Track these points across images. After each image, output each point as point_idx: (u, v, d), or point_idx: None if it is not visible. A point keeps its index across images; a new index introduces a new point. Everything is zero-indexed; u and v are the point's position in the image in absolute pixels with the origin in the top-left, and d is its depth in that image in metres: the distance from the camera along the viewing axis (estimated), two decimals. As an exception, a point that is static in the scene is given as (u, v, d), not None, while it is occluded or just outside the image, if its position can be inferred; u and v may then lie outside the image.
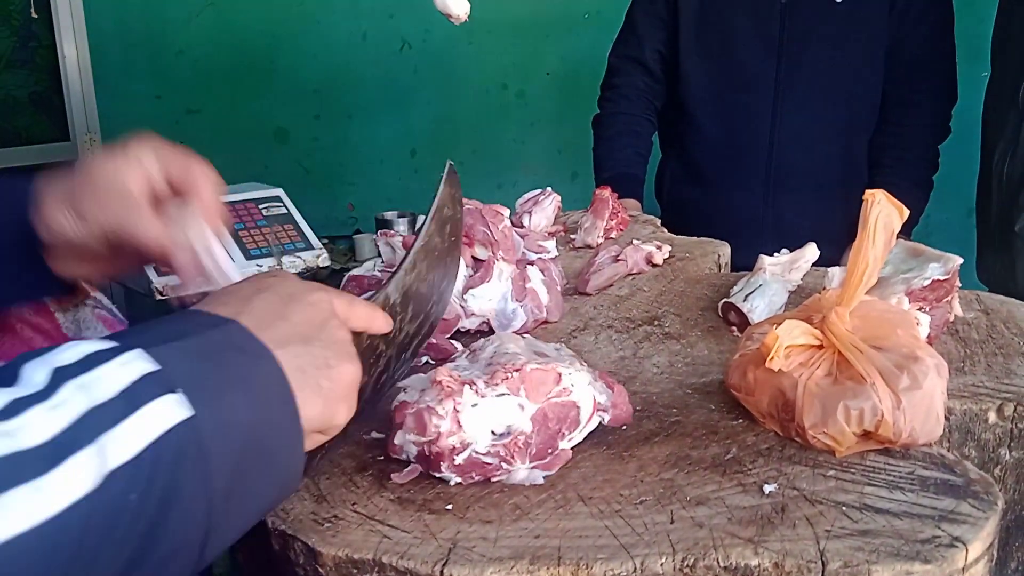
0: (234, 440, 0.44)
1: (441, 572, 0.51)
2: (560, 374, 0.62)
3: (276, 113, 2.86)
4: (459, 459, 0.59)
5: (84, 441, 0.38)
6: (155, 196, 0.63)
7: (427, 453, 0.60)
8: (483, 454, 0.59)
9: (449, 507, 0.58)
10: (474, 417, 0.59)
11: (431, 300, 0.68)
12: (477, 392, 0.60)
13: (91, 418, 0.39)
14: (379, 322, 0.59)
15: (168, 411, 0.41)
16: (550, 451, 0.61)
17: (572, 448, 0.63)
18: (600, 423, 0.65)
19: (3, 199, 0.62)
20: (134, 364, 0.42)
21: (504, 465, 0.60)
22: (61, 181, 0.62)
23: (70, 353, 0.42)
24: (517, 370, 0.61)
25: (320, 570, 0.54)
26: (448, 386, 0.60)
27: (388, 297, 0.62)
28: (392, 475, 0.61)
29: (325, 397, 0.50)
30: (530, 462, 0.60)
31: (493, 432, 0.60)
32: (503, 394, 0.60)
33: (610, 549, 0.53)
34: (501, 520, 0.56)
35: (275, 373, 0.47)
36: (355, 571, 0.53)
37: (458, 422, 0.59)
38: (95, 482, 0.37)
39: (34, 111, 2.47)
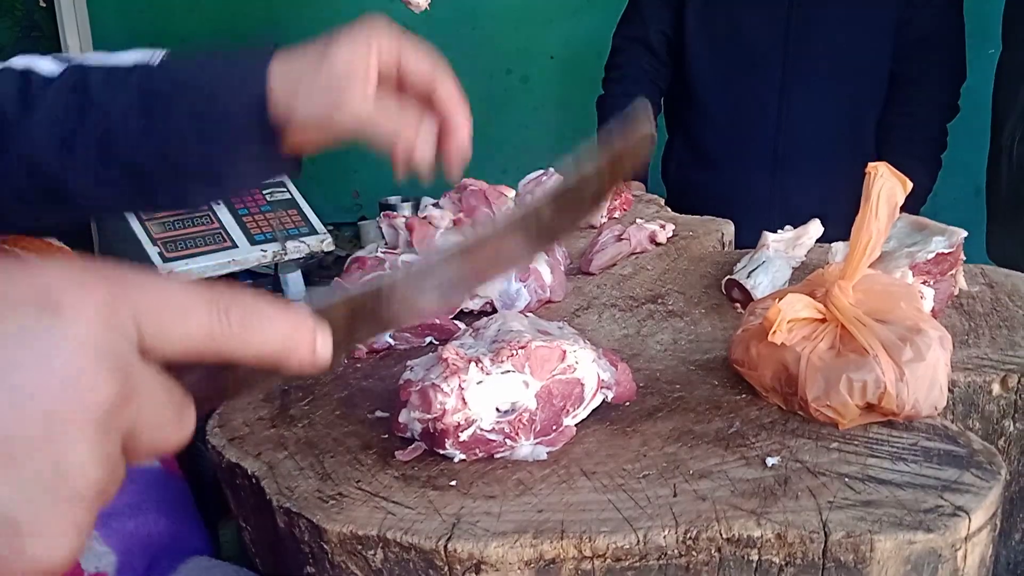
0: None
1: (445, 547, 0.52)
2: (565, 351, 0.62)
3: (280, 101, 2.86)
4: (464, 436, 0.59)
5: None
6: (380, 80, 0.61)
7: (432, 430, 0.60)
8: (488, 431, 0.59)
9: (453, 483, 0.58)
10: (479, 394, 0.59)
11: (482, 276, 0.49)
12: (483, 369, 0.60)
13: None
14: (298, 360, 0.35)
15: None
16: (554, 428, 0.61)
17: (576, 424, 0.63)
18: (604, 400, 0.65)
19: (244, 77, 0.60)
20: None
21: (508, 442, 0.60)
22: (295, 61, 0.60)
23: None
24: (522, 347, 0.61)
25: (325, 546, 0.55)
26: (454, 363, 0.60)
27: (383, 289, 0.42)
28: (396, 453, 0.61)
29: None
30: (534, 439, 0.60)
31: (498, 409, 0.60)
32: (508, 371, 0.60)
33: (613, 522, 0.53)
34: (504, 495, 0.56)
35: None
36: (360, 547, 0.54)
37: (463, 399, 0.59)
38: None
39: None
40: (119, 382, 0.29)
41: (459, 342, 0.66)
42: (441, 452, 0.60)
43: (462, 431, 0.59)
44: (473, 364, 0.60)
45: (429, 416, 0.60)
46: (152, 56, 0.62)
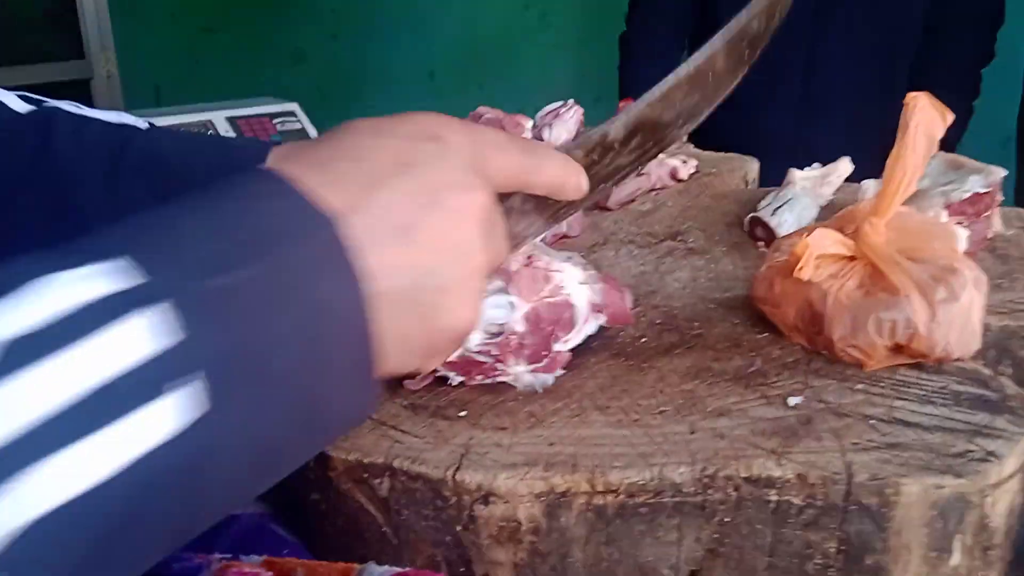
0: (257, 443, 0.31)
1: (453, 477, 0.50)
2: (549, 272, 0.59)
3: (293, 33, 2.80)
4: (452, 356, 0.57)
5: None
6: None
7: None
8: (475, 352, 0.57)
9: (463, 414, 0.56)
10: None
11: (672, 126, 0.53)
12: None
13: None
14: (570, 189, 0.45)
15: (173, 414, 0.27)
16: (544, 353, 0.59)
17: (572, 351, 0.60)
18: (600, 327, 0.62)
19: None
20: (145, 332, 0.27)
21: (499, 365, 0.57)
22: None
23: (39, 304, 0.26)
24: (506, 267, 0.58)
25: (330, 475, 0.53)
26: None
27: (605, 135, 0.49)
28: (404, 381, 0.60)
29: (416, 355, 0.38)
30: (526, 364, 0.58)
31: (486, 331, 0.57)
32: (498, 290, 0.57)
33: (627, 458, 0.51)
34: (515, 427, 0.55)
35: (359, 326, 0.33)
36: (366, 475, 0.52)
37: None
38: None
39: (48, 28, 2.43)
40: (489, 190, 0.39)
41: None
42: (439, 374, 0.58)
43: None
44: None
45: None
46: (138, 122, 0.55)
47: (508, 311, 0.57)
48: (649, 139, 0.52)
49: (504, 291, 0.58)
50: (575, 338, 0.61)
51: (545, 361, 0.59)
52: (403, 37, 2.87)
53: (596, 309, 0.61)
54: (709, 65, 0.54)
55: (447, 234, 0.37)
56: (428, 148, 0.38)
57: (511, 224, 0.46)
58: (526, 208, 0.47)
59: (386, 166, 0.36)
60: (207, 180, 0.48)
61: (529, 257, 0.59)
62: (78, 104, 0.57)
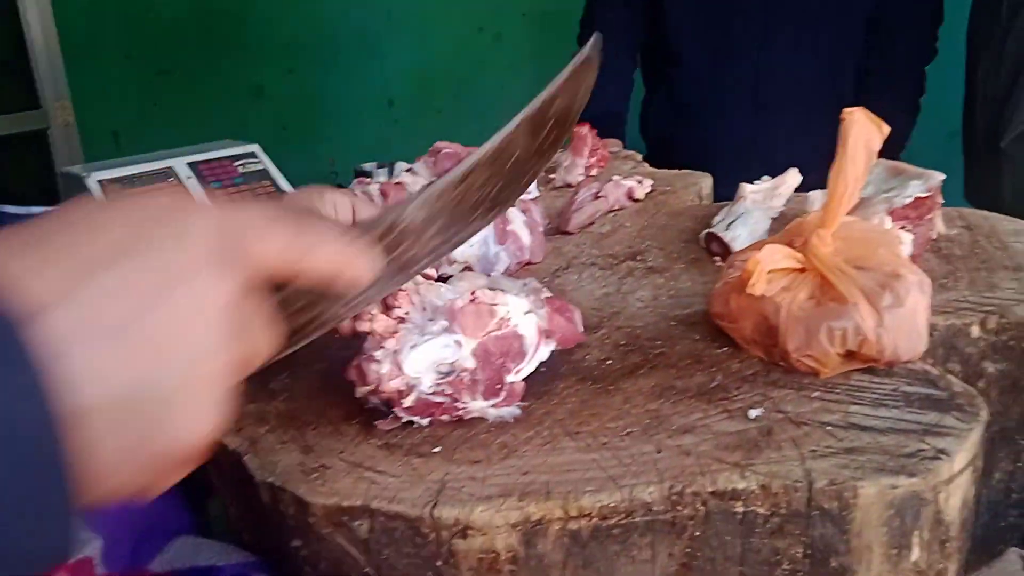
0: None
1: (431, 514, 0.52)
2: (492, 307, 0.60)
3: (250, 70, 2.81)
4: (408, 402, 0.58)
5: None
6: None
7: (378, 400, 0.59)
8: (430, 394, 0.58)
9: (437, 450, 0.58)
10: (414, 358, 0.58)
11: (477, 212, 0.54)
12: (420, 331, 0.59)
13: None
14: (347, 278, 0.41)
15: None
16: (498, 386, 0.60)
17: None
18: (552, 350, 0.63)
19: None
20: None
21: (457, 404, 0.59)
22: None
23: None
24: (450, 308, 0.59)
25: (310, 520, 0.55)
26: (379, 333, 0.58)
27: (399, 221, 0.48)
28: (377, 422, 0.61)
29: (141, 475, 0.32)
30: (483, 399, 0.60)
31: (439, 371, 0.59)
32: (441, 332, 0.59)
33: (598, 481, 0.53)
34: (489, 459, 0.56)
35: (48, 444, 0.27)
36: (345, 518, 0.53)
37: (398, 365, 0.58)
38: None
39: (0, 80, 2.41)
40: (238, 280, 0.34)
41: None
42: (404, 420, 0.59)
43: (405, 397, 0.58)
44: (406, 329, 0.59)
45: (368, 388, 0.58)
46: None
47: (455, 350, 0.59)
48: (455, 220, 0.52)
49: (450, 330, 0.59)
50: (527, 367, 0.62)
51: (502, 394, 0.60)
52: (360, 67, 2.89)
53: (547, 335, 0.63)
54: (509, 146, 0.53)
55: (172, 334, 0.31)
56: (161, 232, 0.32)
57: (293, 316, 0.43)
58: (312, 296, 0.43)
59: (104, 252, 0.30)
60: None
61: (472, 293, 0.61)
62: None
